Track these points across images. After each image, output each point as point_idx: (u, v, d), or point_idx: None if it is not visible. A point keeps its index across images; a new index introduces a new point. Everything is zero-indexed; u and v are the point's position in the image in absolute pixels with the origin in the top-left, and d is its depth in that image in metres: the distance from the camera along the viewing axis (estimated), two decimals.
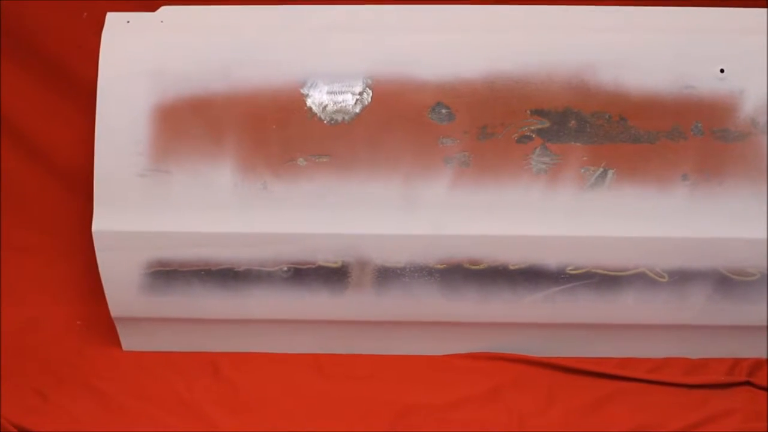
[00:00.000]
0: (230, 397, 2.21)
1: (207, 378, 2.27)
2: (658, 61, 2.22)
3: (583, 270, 2.23)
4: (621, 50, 2.23)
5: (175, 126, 2.21)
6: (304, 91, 2.21)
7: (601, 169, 2.20)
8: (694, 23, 2.29)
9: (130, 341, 2.34)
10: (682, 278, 2.23)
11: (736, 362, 2.29)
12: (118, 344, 2.37)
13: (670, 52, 2.23)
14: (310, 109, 2.21)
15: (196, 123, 2.21)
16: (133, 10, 2.31)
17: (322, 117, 2.21)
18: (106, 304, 2.30)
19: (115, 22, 2.28)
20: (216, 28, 2.27)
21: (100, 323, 2.39)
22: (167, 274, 2.24)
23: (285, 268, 2.24)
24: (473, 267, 2.23)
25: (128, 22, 2.28)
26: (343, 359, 2.33)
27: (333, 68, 2.23)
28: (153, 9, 2.32)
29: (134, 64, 2.23)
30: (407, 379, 2.26)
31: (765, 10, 2.31)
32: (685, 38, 2.25)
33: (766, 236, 2.20)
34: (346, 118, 2.21)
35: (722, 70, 2.21)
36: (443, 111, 2.20)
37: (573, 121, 2.20)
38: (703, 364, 2.30)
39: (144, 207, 2.22)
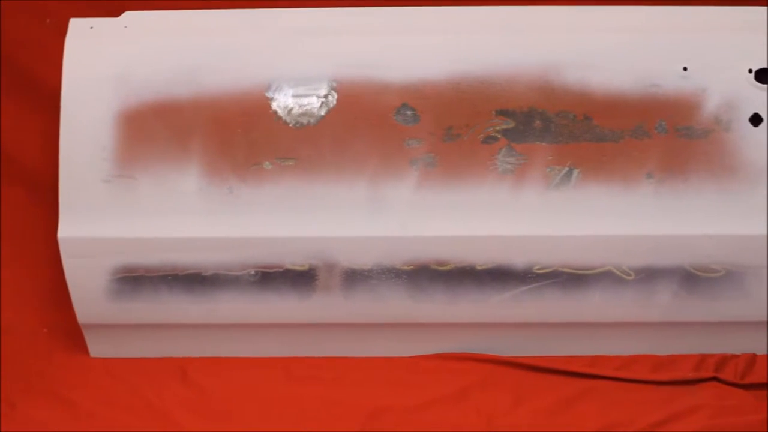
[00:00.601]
0: (199, 402, 2.21)
1: (175, 383, 2.26)
2: (621, 60, 2.23)
3: (550, 269, 2.24)
4: (585, 50, 2.23)
5: (140, 131, 2.20)
6: (269, 94, 2.21)
7: (567, 169, 2.21)
8: (657, 22, 2.29)
9: (98, 348, 2.34)
10: (648, 276, 2.24)
11: (703, 358, 2.30)
12: (86, 351, 2.36)
13: (634, 51, 2.24)
14: (276, 112, 2.21)
15: (161, 128, 2.20)
16: (96, 16, 2.28)
17: (288, 120, 2.21)
18: (73, 311, 2.27)
19: (78, 27, 2.27)
20: (180, 33, 2.27)
21: (68, 330, 2.37)
22: (134, 279, 2.24)
23: (252, 272, 2.24)
24: (440, 268, 2.24)
25: (92, 27, 2.27)
26: (311, 362, 2.32)
27: (298, 71, 2.23)
28: (117, 14, 2.30)
29: (98, 70, 2.22)
30: (376, 381, 2.26)
31: (727, 8, 2.32)
32: (649, 37, 2.26)
33: (730, 232, 2.19)
34: (312, 120, 2.21)
35: (685, 69, 2.21)
36: (408, 113, 2.20)
37: (538, 121, 2.21)
38: (671, 360, 2.31)
39: (110, 213, 2.21)
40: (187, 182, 2.20)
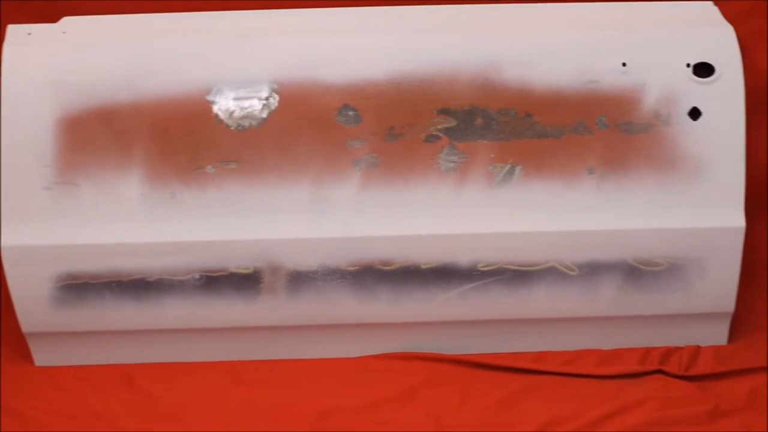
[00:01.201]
0: (146, 408, 2.20)
1: (122, 390, 2.25)
2: (561, 56, 2.24)
3: (495, 266, 2.25)
4: (525, 47, 2.25)
5: (81, 137, 2.19)
6: (210, 98, 2.20)
7: (509, 166, 2.22)
8: (596, 18, 2.31)
9: (43, 356, 2.32)
10: (591, 271, 2.26)
11: (648, 351, 2.32)
12: (31, 360, 2.33)
13: (573, 48, 2.25)
14: (217, 115, 2.20)
15: (102, 134, 2.19)
16: (34, 22, 2.27)
17: (229, 123, 2.20)
18: (16, 319, 2.25)
19: (16, 34, 2.26)
20: (119, 38, 2.26)
21: (12, 339, 2.35)
22: (78, 287, 2.23)
23: (197, 277, 2.23)
24: (385, 268, 2.24)
25: (30, 33, 2.25)
26: (258, 365, 2.32)
27: (238, 74, 2.23)
28: (55, 20, 2.29)
29: (37, 76, 2.21)
30: (323, 383, 2.27)
31: (665, 3, 2.34)
32: (587, 33, 2.28)
33: (671, 226, 2.21)
34: (254, 123, 2.21)
35: (624, 64, 2.23)
36: (350, 113, 2.21)
37: (479, 119, 2.21)
38: (616, 354, 2.32)
39: (52, 220, 2.20)
40: (129, 188, 2.19)
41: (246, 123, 2.21)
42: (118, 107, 2.20)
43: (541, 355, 2.33)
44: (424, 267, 2.25)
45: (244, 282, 2.24)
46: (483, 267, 2.25)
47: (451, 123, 2.22)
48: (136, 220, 2.21)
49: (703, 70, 2.24)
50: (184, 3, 2.42)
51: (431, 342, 2.33)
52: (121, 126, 2.20)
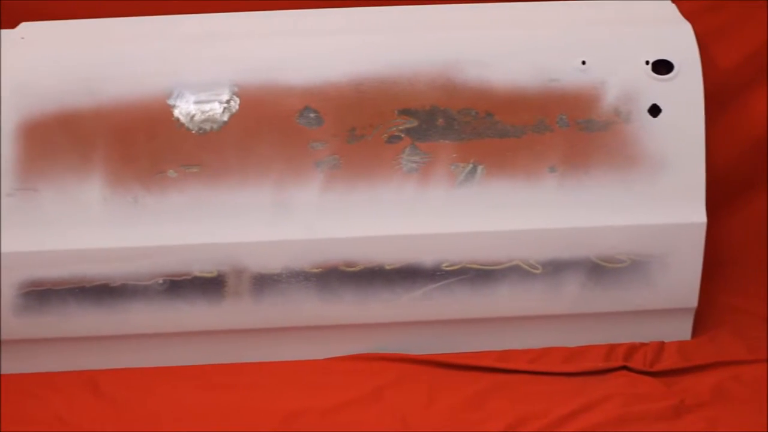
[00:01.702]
0: (112, 414, 2.20)
1: (88, 396, 2.24)
2: (521, 56, 2.25)
3: (458, 266, 2.25)
4: (485, 47, 2.25)
5: (42, 143, 2.18)
6: (171, 101, 2.20)
7: (471, 165, 2.22)
8: (555, 17, 2.32)
9: (7, 364, 2.31)
10: (555, 269, 2.26)
11: (612, 348, 2.33)
12: None
13: (533, 47, 2.26)
14: (178, 119, 2.20)
15: (62, 139, 2.19)
16: None
17: (190, 127, 2.20)
18: None
19: None
20: (79, 42, 2.26)
21: None
22: (41, 293, 2.22)
23: (161, 281, 2.23)
24: (349, 269, 2.24)
25: None
26: (224, 369, 2.32)
27: (198, 77, 2.22)
28: (13, 26, 2.28)
29: None
30: (290, 385, 2.26)
31: (622, 1, 2.35)
32: (547, 32, 2.29)
33: (633, 223, 2.22)
34: (215, 126, 2.20)
35: (584, 62, 2.24)
36: (311, 115, 2.21)
37: (441, 119, 2.22)
38: (581, 351, 2.33)
39: (13, 227, 2.19)
40: (90, 193, 2.18)
41: (207, 126, 2.21)
42: (79, 112, 2.19)
43: (506, 354, 2.34)
44: (388, 268, 2.25)
45: (208, 286, 2.24)
46: (447, 267, 2.25)
47: (413, 123, 2.22)
48: (99, 226, 2.20)
49: (662, 67, 2.25)
50: (161, 3, 2.40)
51: (397, 342, 2.33)
52: (81, 131, 2.19)
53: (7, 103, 2.19)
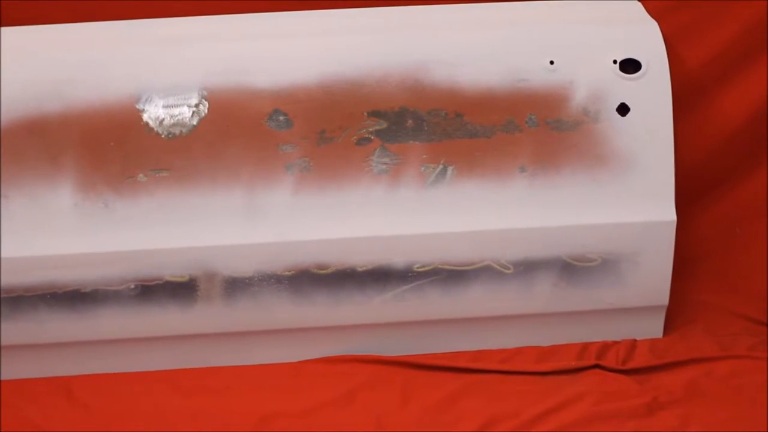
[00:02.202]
0: (85, 420, 2.19)
1: (61, 403, 2.24)
2: (489, 56, 2.26)
3: (430, 267, 2.26)
4: (453, 47, 2.26)
5: (10, 149, 2.18)
6: (140, 106, 2.20)
7: (441, 166, 2.23)
8: (522, 17, 2.33)
9: None
10: (527, 268, 2.27)
11: (585, 346, 2.34)
12: None
13: (501, 47, 2.27)
14: (147, 124, 2.20)
15: (31, 145, 2.18)
16: None
17: (160, 131, 2.20)
18: None
19: None
20: (46, 47, 2.25)
21: None
22: (12, 300, 2.21)
23: (132, 286, 2.22)
24: (321, 272, 2.24)
25: None
26: (197, 373, 2.31)
27: (167, 82, 2.22)
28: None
29: None
30: (263, 388, 2.27)
31: (589, 1, 2.36)
32: (515, 32, 2.30)
33: (603, 221, 2.22)
34: (184, 131, 2.21)
35: (552, 62, 2.25)
36: (281, 118, 2.21)
37: (410, 121, 2.22)
38: (554, 350, 2.34)
39: None
40: (60, 198, 2.18)
41: (176, 130, 2.21)
42: (47, 118, 2.19)
43: (479, 354, 2.34)
44: (359, 270, 2.25)
45: (179, 290, 2.24)
46: (418, 268, 2.26)
47: (382, 125, 2.22)
48: (69, 231, 2.20)
49: (630, 66, 2.26)
50: (153, 4, 2.40)
51: (370, 344, 2.34)
52: (50, 136, 2.19)
53: None
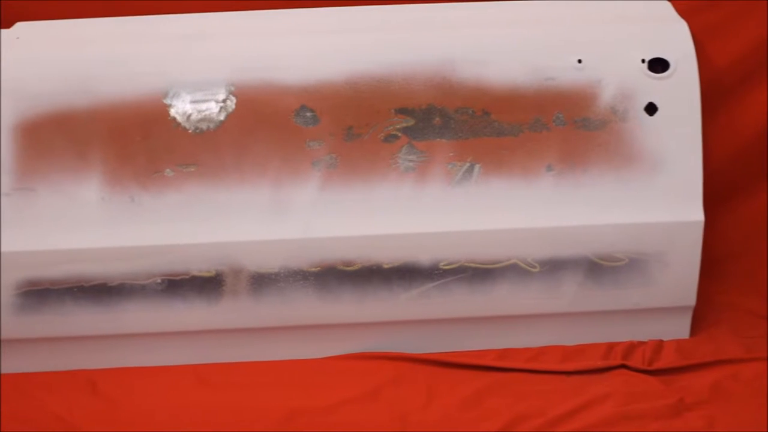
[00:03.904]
0: (110, 414, 2.19)
1: (86, 396, 2.24)
2: (517, 54, 2.25)
3: (456, 264, 2.25)
4: (480, 45, 2.26)
5: (39, 143, 2.19)
6: (167, 101, 2.20)
7: (468, 164, 2.23)
8: (551, 15, 2.32)
9: (5, 364, 2.32)
10: (553, 267, 2.26)
11: (611, 346, 2.33)
12: None
13: (529, 45, 2.26)
14: (174, 119, 2.20)
15: (59, 139, 2.19)
16: None
17: (187, 126, 2.20)
18: None
19: None
20: (74, 42, 2.26)
21: None
22: (39, 293, 2.22)
23: (158, 281, 2.23)
24: (347, 268, 2.24)
25: None
26: (222, 368, 2.32)
27: (195, 77, 2.22)
28: (8, 25, 2.28)
29: None
30: (288, 384, 2.26)
31: (618, 0, 2.35)
32: (543, 31, 2.29)
33: (630, 221, 2.21)
34: (211, 126, 2.21)
35: (580, 61, 2.24)
36: (308, 114, 2.21)
37: (437, 118, 2.22)
38: (580, 350, 2.33)
39: (11, 226, 2.19)
40: (88, 192, 2.19)
41: (203, 126, 2.21)
42: (75, 112, 2.20)
43: (504, 353, 2.33)
44: (386, 266, 2.25)
45: (206, 285, 2.24)
46: (445, 265, 2.25)
47: (410, 122, 2.22)
48: (96, 225, 2.20)
49: (658, 65, 2.25)
50: (154, 3, 2.40)
51: (395, 341, 2.33)
52: (78, 131, 2.20)
53: (4, 104, 2.18)
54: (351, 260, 2.24)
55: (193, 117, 2.20)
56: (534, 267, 2.26)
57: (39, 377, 2.31)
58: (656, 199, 2.24)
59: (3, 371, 2.34)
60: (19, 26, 2.31)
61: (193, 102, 2.21)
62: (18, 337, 2.28)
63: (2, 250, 2.20)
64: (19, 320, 2.25)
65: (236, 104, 2.21)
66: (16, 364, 2.32)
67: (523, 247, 2.25)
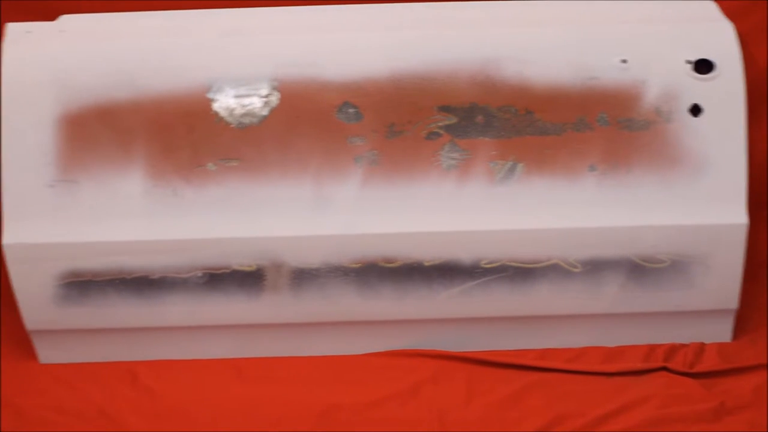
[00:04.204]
0: (150, 405, 2.21)
1: (126, 388, 2.26)
2: (560, 53, 2.25)
3: (497, 263, 2.25)
4: (524, 44, 2.25)
5: (82, 135, 2.20)
6: (211, 95, 2.21)
7: (510, 163, 2.22)
8: (595, 14, 2.30)
9: (47, 354, 2.33)
10: (594, 268, 2.25)
11: (652, 348, 2.31)
12: (35, 357, 2.34)
13: (573, 44, 2.25)
14: (218, 113, 2.21)
15: (103, 131, 2.20)
16: (33, 20, 2.28)
17: (230, 121, 2.21)
18: (20, 317, 2.26)
19: (15, 32, 2.27)
20: (118, 35, 2.27)
21: (16, 337, 2.35)
22: (81, 284, 2.23)
23: (200, 274, 2.24)
24: (388, 265, 2.24)
25: (29, 32, 2.26)
26: (262, 362, 2.32)
27: (238, 71, 2.23)
28: (53, 18, 2.30)
29: (37, 75, 2.22)
30: (327, 380, 2.27)
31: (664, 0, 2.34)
32: (587, 30, 2.28)
33: (674, 223, 2.20)
34: (254, 121, 2.21)
35: (624, 61, 2.23)
36: (351, 110, 2.21)
37: (480, 116, 2.22)
38: (620, 351, 2.32)
39: (54, 218, 2.21)
40: (130, 185, 2.20)
41: (247, 120, 2.22)
42: (119, 105, 2.21)
43: (545, 352, 2.33)
44: (427, 264, 2.25)
45: (247, 279, 2.25)
46: (486, 264, 2.25)
47: (452, 120, 2.22)
48: (138, 218, 2.22)
49: (704, 66, 2.23)
50: (178, 2, 2.42)
51: (435, 339, 2.33)
52: (121, 124, 2.21)
53: (48, 95, 2.19)
54: (392, 257, 2.24)
55: (237, 111, 2.21)
56: (575, 267, 2.25)
57: (80, 368, 2.33)
58: (699, 201, 2.23)
59: (45, 361, 2.34)
60: (64, 19, 2.32)
61: (236, 97, 2.21)
62: (60, 328, 2.30)
63: (46, 240, 2.19)
64: (61, 311, 2.27)
65: (279, 99, 2.22)
66: (57, 354, 2.34)
67: (565, 247, 2.24)
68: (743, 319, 2.39)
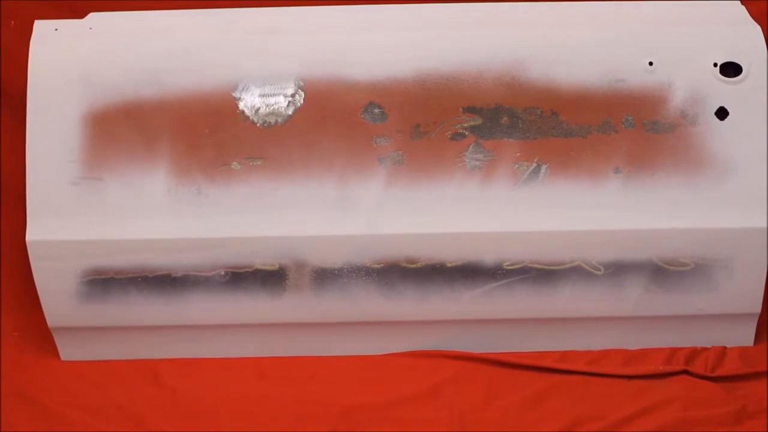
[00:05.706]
0: (171, 404, 2.21)
1: (147, 385, 2.26)
2: (587, 55, 2.24)
3: (520, 265, 2.24)
4: (550, 45, 2.24)
5: (107, 133, 2.20)
6: (236, 94, 2.21)
7: (535, 164, 2.22)
8: (622, 17, 2.30)
9: (69, 351, 2.33)
10: (617, 270, 2.25)
11: (674, 352, 2.31)
12: (57, 354, 2.35)
13: (599, 46, 2.25)
14: (243, 112, 2.21)
15: (128, 129, 2.20)
16: (61, 17, 2.28)
17: (255, 120, 2.21)
18: (43, 314, 2.26)
19: (43, 29, 2.27)
20: (145, 34, 2.27)
21: (39, 334, 2.35)
22: (104, 282, 2.23)
23: (222, 273, 2.23)
24: (410, 265, 2.24)
25: (56, 29, 2.27)
26: (283, 362, 2.32)
27: (264, 71, 2.23)
28: (81, 16, 2.30)
29: (64, 72, 2.22)
30: (348, 380, 2.27)
31: (690, 2, 2.33)
32: (614, 32, 2.27)
33: (697, 226, 2.20)
34: (279, 120, 2.21)
35: (651, 63, 2.22)
36: (376, 111, 2.21)
37: (505, 118, 2.21)
38: (642, 354, 2.32)
39: (78, 215, 2.21)
40: (155, 183, 2.20)
41: (272, 120, 2.21)
42: (144, 103, 2.21)
43: (566, 355, 2.33)
44: (449, 265, 2.24)
45: (269, 278, 2.24)
46: (508, 266, 2.25)
47: (477, 121, 2.22)
48: (162, 216, 2.22)
49: (731, 69, 2.23)
50: (205, 2, 2.41)
51: (456, 340, 2.33)
52: (146, 122, 2.21)
53: (74, 93, 2.19)
54: (414, 258, 2.24)
55: (262, 111, 2.21)
56: (598, 269, 2.25)
57: (102, 366, 2.33)
58: (724, 204, 2.22)
59: (66, 358, 2.35)
60: (92, 17, 2.32)
61: (261, 96, 2.21)
62: (82, 325, 2.30)
63: (70, 238, 2.19)
64: (83, 309, 2.27)
65: (305, 99, 2.21)
66: (79, 351, 2.34)
67: (588, 249, 2.24)
68: (766, 324, 2.37)
